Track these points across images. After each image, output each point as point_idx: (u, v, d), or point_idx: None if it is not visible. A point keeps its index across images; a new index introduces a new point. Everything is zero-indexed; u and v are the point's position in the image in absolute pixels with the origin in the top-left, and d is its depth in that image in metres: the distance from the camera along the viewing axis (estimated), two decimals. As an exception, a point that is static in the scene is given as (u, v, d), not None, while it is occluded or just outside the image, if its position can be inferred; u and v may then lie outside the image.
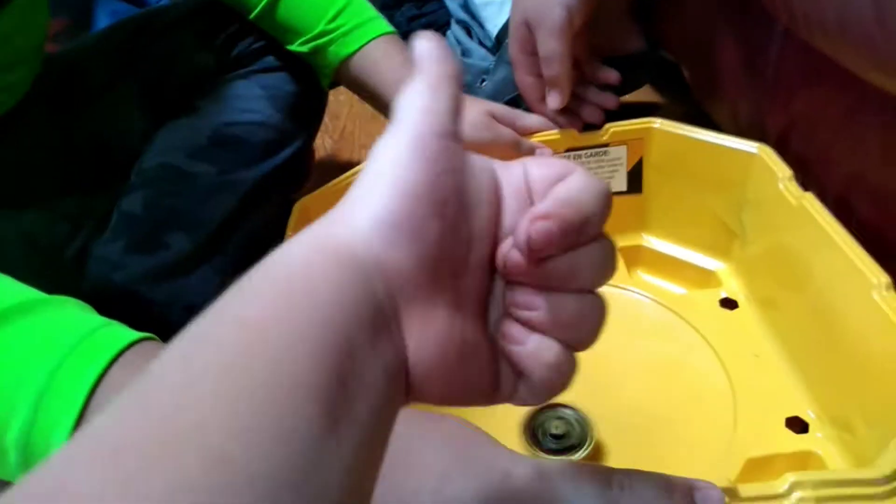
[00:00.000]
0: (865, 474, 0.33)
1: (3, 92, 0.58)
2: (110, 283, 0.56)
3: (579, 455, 0.46)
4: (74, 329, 0.32)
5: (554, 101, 0.61)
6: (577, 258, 0.24)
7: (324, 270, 0.21)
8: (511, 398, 0.26)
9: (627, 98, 0.87)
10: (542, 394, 0.26)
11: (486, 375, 0.25)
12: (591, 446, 0.47)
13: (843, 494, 0.32)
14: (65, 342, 0.31)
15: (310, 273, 0.20)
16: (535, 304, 0.24)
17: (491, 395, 0.25)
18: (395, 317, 0.22)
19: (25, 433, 0.30)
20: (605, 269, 0.25)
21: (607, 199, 0.24)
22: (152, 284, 0.57)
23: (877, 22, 0.42)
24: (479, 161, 0.26)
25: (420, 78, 0.25)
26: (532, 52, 0.62)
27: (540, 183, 0.25)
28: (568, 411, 0.49)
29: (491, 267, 0.25)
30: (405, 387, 0.22)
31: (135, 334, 0.33)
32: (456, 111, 0.25)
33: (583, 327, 0.26)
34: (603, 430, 0.48)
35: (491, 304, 0.25)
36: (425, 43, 0.26)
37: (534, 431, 0.48)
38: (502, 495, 0.29)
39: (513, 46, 0.64)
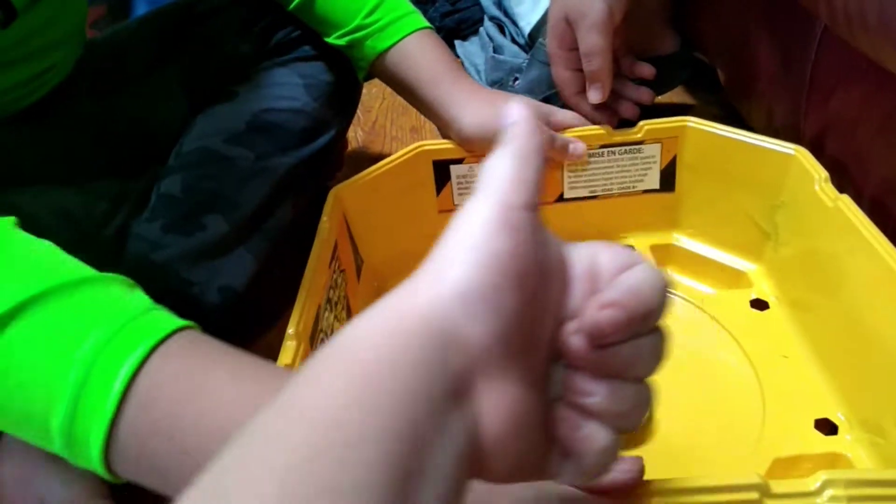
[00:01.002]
0: None
1: (48, 72, 0.58)
2: (149, 262, 0.57)
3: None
4: (116, 314, 0.32)
5: (595, 95, 0.61)
6: (637, 347, 0.25)
7: (400, 353, 0.20)
8: (555, 476, 0.25)
9: (661, 98, 0.86)
10: (589, 475, 0.25)
11: (539, 453, 0.24)
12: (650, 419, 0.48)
13: (876, 495, 0.32)
14: (106, 328, 0.31)
15: (384, 356, 0.20)
16: (593, 392, 0.24)
17: (538, 472, 0.25)
18: (470, 390, 0.21)
19: (68, 423, 0.30)
20: (660, 359, 0.26)
21: (667, 291, 0.25)
22: (190, 264, 0.57)
23: None
24: (552, 237, 0.25)
25: (509, 147, 0.25)
26: (571, 47, 0.62)
27: (608, 269, 0.25)
28: None
29: (553, 346, 0.25)
30: (476, 462, 0.22)
31: (176, 322, 0.33)
32: (541, 184, 0.25)
33: (635, 415, 0.26)
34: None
35: (548, 384, 0.25)
36: (519, 110, 0.26)
37: None
38: None
39: (552, 42, 0.64)
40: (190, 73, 0.65)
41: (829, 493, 0.31)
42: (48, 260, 0.34)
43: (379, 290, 0.60)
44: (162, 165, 0.62)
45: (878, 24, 0.45)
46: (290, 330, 0.43)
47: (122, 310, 0.32)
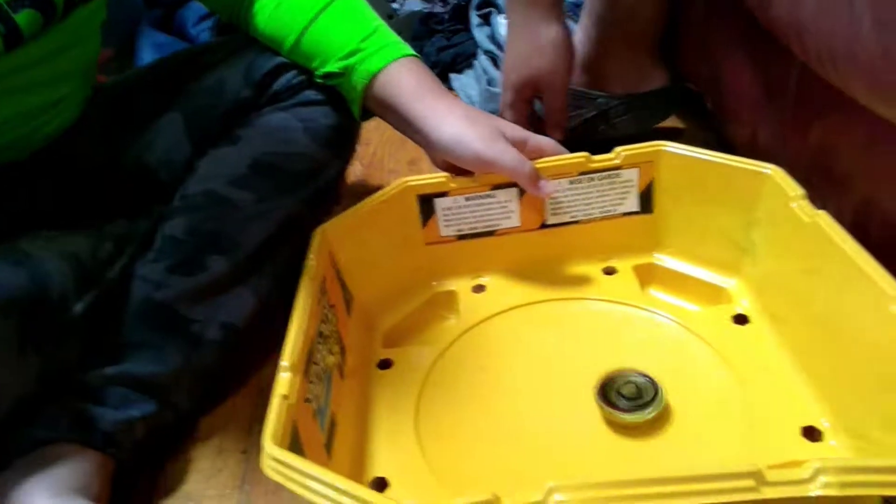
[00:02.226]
0: (888, 462, 0.31)
1: (54, 106, 0.59)
2: (152, 301, 0.57)
3: (651, 412, 0.48)
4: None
5: (558, 133, 0.78)
6: None
7: None
8: None
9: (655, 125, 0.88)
10: None
11: None
12: (662, 405, 0.48)
13: (866, 481, 0.31)
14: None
15: None
16: None
17: None
18: None
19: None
20: None
21: None
22: (191, 302, 0.57)
23: (882, 56, 0.42)
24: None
25: None
26: (529, 99, 0.78)
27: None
28: (639, 377, 0.51)
29: None
30: None
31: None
32: None
33: None
34: (623, 440, 0.47)
35: None
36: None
37: (605, 393, 0.50)
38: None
39: (514, 95, 0.77)
40: (194, 118, 0.66)
41: (822, 479, 0.31)
42: None
43: (369, 324, 0.60)
44: (166, 206, 0.62)
45: (846, 61, 0.46)
46: (285, 362, 0.43)
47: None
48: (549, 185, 0.58)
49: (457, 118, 0.58)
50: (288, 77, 0.65)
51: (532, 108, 0.80)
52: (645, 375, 0.50)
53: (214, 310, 0.58)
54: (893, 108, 0.44)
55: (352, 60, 0.61)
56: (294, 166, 0.63)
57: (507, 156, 0.57)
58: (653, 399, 0.49)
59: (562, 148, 0.60)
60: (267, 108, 0.65)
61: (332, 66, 0.62)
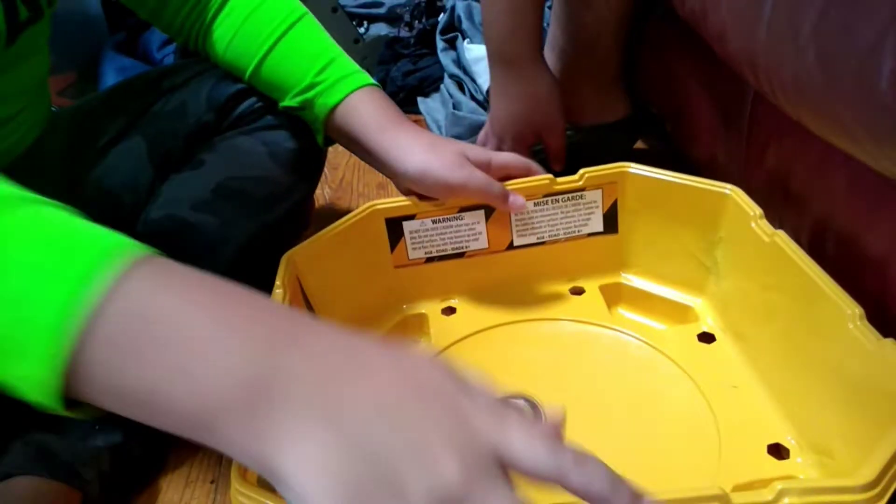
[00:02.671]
0: (848, 482, 0.32)
1: (5, 125, 0.57)
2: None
3: None
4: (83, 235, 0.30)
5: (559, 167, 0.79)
6: None
7: None
8: None
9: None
10: None
11: None
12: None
13: (828, 501, 0.32)
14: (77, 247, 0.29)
15: None
16: None
17: None
18: None
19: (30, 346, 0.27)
20: None
21: None
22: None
23: (825, 87, 0.43)
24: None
25: None
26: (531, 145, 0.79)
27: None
28: (520, 401, 0.50)
29: None
30: None
31: (145, 248, 0.30)
32: None
33: None
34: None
35: None
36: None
37: None
38: (455, 428, 0.27)
39: (516, 146, 0.77)
40: (156, 141, 0.64)
41: (785, 500, 0.31)
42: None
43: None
44: (129, 232, 0.61)
45: (794, 92, 0.47)
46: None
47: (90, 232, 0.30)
48: (518, 200, 0.58)
49: (420, 149, 0.57)
50: (251, 101, 0.65)
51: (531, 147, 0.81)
52: (527, 399, 0.50)
53: None
54: (838, 136, 0.45)
55: (309, 95, 0.61)
56: (258, 190, 0.62)
57: (473, 180, 0.57)
58: None
59: (525, 160, 0.60)
60: (230, 132, 0.64)
61: (290, 102, 0.62)
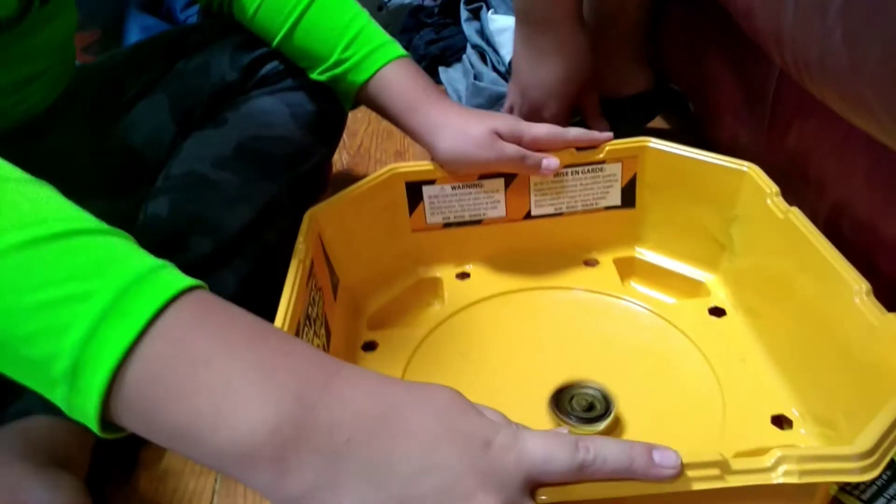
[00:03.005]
0: (844, 451, 0.33)
1: (31, 83, 0.58)
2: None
3: (601, 426, 0.48)
4: (128, 265, 0.30)
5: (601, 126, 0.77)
6: None
7: None
8: None
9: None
10: None
11: None
12: (612, 416, 0.48)
13: (825, 468, 0.32)
14: (120, 276, 0.29)
15: None
16: None
17: None
18: None
19: (72, 369, 0.28)
20: None
21: None
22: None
23: (851, 68, 0.43)
24: None
25: None
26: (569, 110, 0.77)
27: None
28: (591, 389, 0.50)
29: None
30: None
31: (187, 280, 0.30)
32: None
33: None
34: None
35: None
36: None
37: (559, 404, 0.50)
38: (483, 463, 0.29)
39: (562, 109, 0.76)
40: (179, 99, 0.65)
41: (783, 468, 0.32)
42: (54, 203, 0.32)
43: (355, 307, 0.61)
44: (150, 187, 0.62)
45: (819, 71, 0.47)
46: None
47: (133, 261, 0.30)
48: (552, 162, 0.59)
49: (451, 130, 0.59)
50: (275, 63, 0.65)
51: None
52: (598, 388, 0.50)
53: None
54: (861, 117, 0.46)
55: (337, 71, 0.62)
56: (279, 151, 0.63)
57: (505, 156, 0.58)
58: (604, 414, 0.48)
59: (559, 133, 0.60)
60: (254, 92, 0.65)
61: (318, 76, 0.63)
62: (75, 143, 0.63)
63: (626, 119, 0.86)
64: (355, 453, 0.28)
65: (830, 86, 0.48)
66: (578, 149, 0.61)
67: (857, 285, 0.43)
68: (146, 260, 0.31)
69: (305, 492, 0.28)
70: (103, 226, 0.32)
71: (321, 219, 0.56)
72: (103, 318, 0.28)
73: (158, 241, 0.58)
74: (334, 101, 0.65)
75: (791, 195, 0.53)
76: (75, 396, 0.28)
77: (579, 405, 0.49)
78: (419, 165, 0.61)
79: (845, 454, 0.33)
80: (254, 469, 0.28)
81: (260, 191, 0.61)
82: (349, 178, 0.89)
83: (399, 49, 0.63)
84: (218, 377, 0.28)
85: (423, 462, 0.28)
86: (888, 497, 0.43)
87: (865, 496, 0.43)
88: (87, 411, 0.28)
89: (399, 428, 0.29)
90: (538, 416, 0.49)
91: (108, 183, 0.64)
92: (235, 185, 0.60)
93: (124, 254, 0.30)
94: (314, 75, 0.64)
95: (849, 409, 0.43)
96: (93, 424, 0.29)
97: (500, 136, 0.58)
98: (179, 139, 0.64)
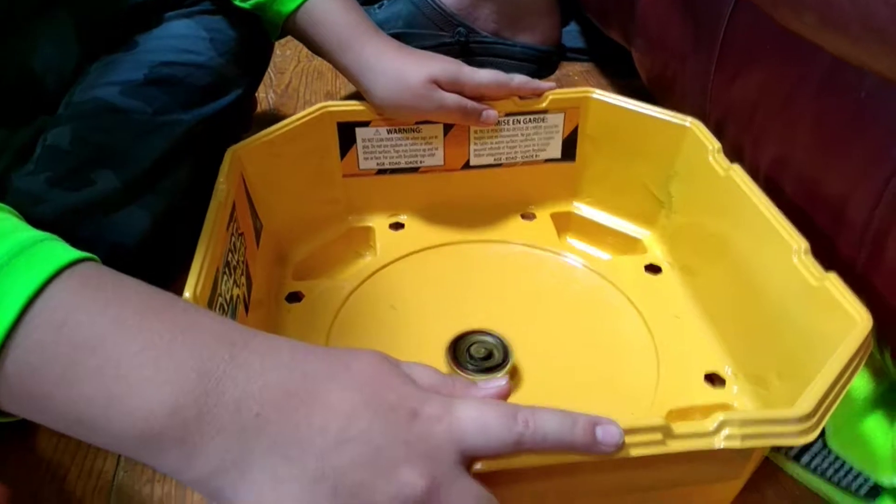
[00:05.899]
0: (786, 414, 0.32)
1: None
2: (32, 217, 0.50)
3: (499, 375, 0.46)
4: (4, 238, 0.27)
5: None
6: None
7: None
8: None
9: (576, 84, 0.87)
10: None
11: None
12: (509, 366, 0.47)
13: (766, 432, 0.32)
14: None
15: None
16: None
17: None
18: None
19: None
20: None
21: None
22: (77, 221, 0.51)
23: None
24: None
25: None
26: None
27: None
28: (489, 337, 0.49)
29: None
30: None
31: (75, 253, 0.28)
32: None
33: None
34: (536, 386, 0.47)
35: None
36: None
37: (456, 353, 0.48)
38: (408, 434, 0.27)
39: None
40: (85, 17, 0.58)
41: (725, 432, 0.31)
42: None
43: (279, 255, 0.57)
44: (50, 115, 0.56)
45: None
46: (188, 293, 0.39)
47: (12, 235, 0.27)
48: (491, 113, 0.57)
49: (387, 76, 0.55)
50: None
51: None
52: (498, 337, 0.49)
53: (103, 229, 0.53)
54: (842, 38, 0.44)
55: (261, 0, 0.56)
56: (196, 79, 0.58)
57: (445, 107, 0.55)
58: (501, 364, 0.47)
59: (503, 78, 0.57)
60: (169, 14, 0.59)
61: (241, 3, 0.57)
62: None
63: (511, 67, 0.84)
64: (266, 429, 0.25)
65: (811, 6, 0.45)
66: (521, 98, 0.58)
67: (795, 244, 0.43)
68: (20, 234, 0.27)
69: (213, 472, 0.25)
70: None
71: (244, 158, 0.52)
72: None
73: (59, 176, 0.52)
74: (258, 29, 0.60)
75: (730, 153, 0.52)
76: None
77: (477, 353, 0.48)
78: (352, 105, 0.57)
79: (786, 417, 0.32)
80: (157, 453, 0.25)
81: (174, 122, 0.56)
82: (275, 119, 0.83)
83: None
84: (106, 362, 0.25)
85: (341, 434, 0.26)
86: (813, 454, 0.44)
87: (792, 453, 0.44)
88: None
89: (315, 400, 0.26)
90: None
91: (4, 112, 0.57)
92: (147, 115, 0.55)
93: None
94: (237, 2, 0.58)
95: (782, 369, 0.43)
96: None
97: (440, 84, 0.55)
98: (85, 63, 0.58)
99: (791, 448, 0.44)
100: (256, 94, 0.73)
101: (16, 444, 0.46)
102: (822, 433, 0.42)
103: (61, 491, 0.44)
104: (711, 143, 0.52)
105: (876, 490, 0.41)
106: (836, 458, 0.43)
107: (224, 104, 0.60)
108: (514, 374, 0.48)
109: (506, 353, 0.48)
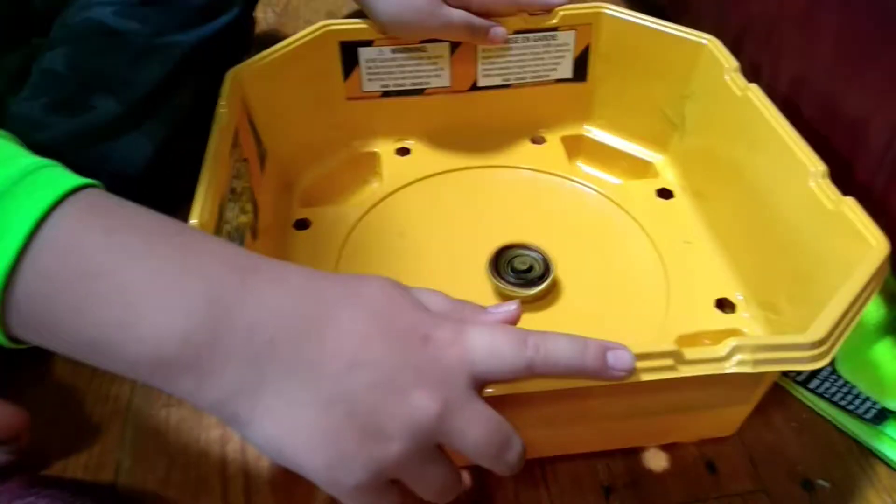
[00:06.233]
0: (797, 339, 0.32)
1: None
2: (31, 144, 0.49)
3: (540, 288, 0.47)
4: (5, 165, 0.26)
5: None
6: None
7: None
8: None
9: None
10: None
11: None
12: (551, 279, 0.48)
13: (777, 357, 0.32)
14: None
15: None
16: None
17: None
18: None
19: None
20: None
21: None
22: (77, 147, 0.50)
23: None
24: None
25: None
26: None
27: None
28: (532, 252, 0.50)
29: None
30: None
31: (79, 179, 0.27)
32: None
33: None
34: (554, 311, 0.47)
35: None
36: None
37: (498, 266, 0.49)
38: (420, 358, 0.27)
39: None
40: None
41: (737, 357, 0.31)
42: None
43: (285, 182, 0.56)
44: (43, 37, 0.54)
45: None
46: (193, 221, 0.39)
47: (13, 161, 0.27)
48: (499, 30, 0.54)
49: None
50: None
51: None
52: (539, 251, 0.50)
53: (104, 156, 0.52)
54: None
55: None
56: None
57: (452, 25, 0.53)
58: (543, 276, 0.48)
59: None
60: None
61: None
62: None
63: None
64: (279, 354, 0.25)
65: None
66: (530, 14, 0.56)
67: (813, 167, 0.42)
68: (22, 160, 0.26)
69: (227, 397, 0.25)
70: None
71: (245, 81, 0.50)
72: None
73: (57, 101, 0.51)
74: None
75: (748, 73, 0.50)
76: None
77: (518, 267, 0.48)
78: (355, 24, 0.54)
79: (798, 343, 0.32)
80: (171, 378, 0.25)
81: (172, 43, 0.54)
82: (274, 39, 0.81)
83: None
84: (115, 289, 0.25)
85: (354, 358, 0.26)
86: (821, 379, 0.44)
87: (800, 378, 0.44)
88: None
89: (327, 325, 0.26)
90: (477, 282, 0.48)
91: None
92: (144, 37, 0.53)
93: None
94: None
95: (793, 295, 0.43)
96: None
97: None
98: None
99: (799, 373, 0.44)
100: (255, 14, 0.70)
101: (31, 370, 0.47)
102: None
103: (77, 416, 0.45)
104: (728, 62, 0.50)
105: (883, 414, 0.42)
106: (845, 383, 0.43)
107: (222, 24, 0.57)
108: (553, 288, 0.48)
109: (547, 266, 0.49)
